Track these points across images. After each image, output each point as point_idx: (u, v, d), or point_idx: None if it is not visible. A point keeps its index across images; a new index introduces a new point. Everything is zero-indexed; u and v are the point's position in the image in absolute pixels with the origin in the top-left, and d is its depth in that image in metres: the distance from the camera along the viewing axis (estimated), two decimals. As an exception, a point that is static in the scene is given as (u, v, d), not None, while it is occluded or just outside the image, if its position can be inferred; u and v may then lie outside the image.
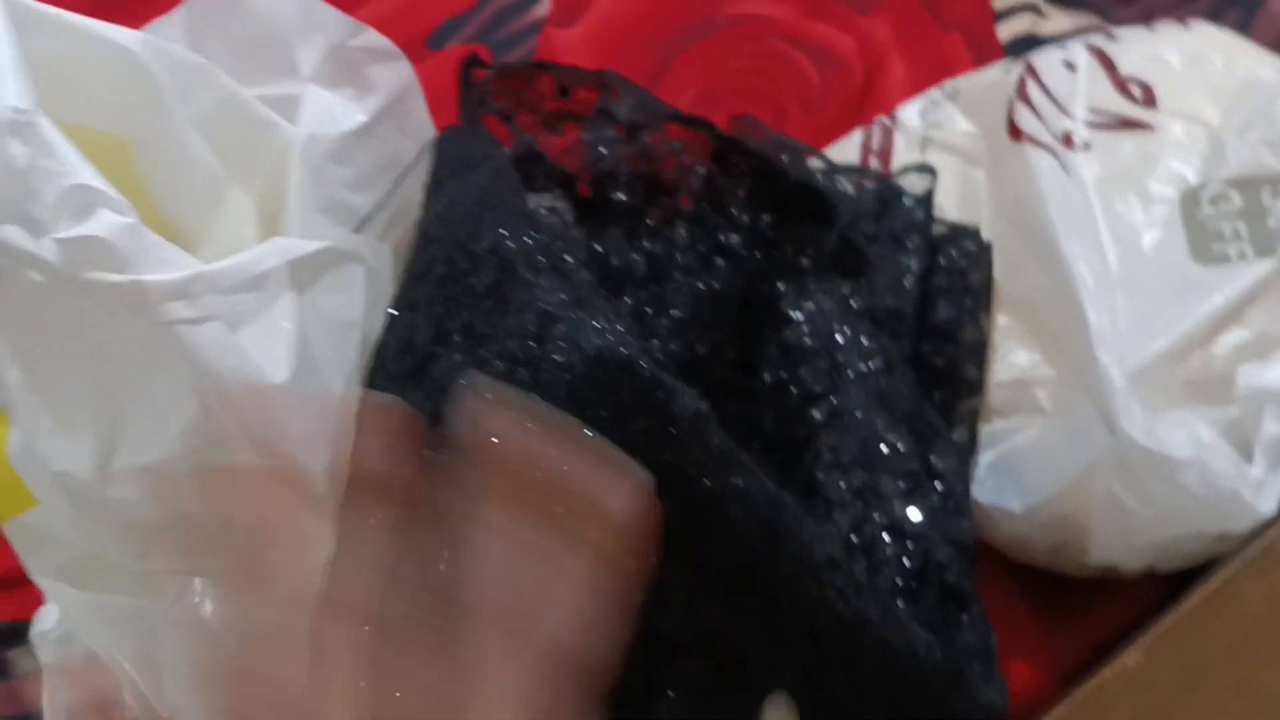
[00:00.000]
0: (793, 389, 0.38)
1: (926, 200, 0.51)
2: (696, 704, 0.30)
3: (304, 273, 0.31)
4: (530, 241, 0.28)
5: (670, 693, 0.29)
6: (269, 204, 0.36)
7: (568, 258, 0.28)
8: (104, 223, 0.26)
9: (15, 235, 0.26)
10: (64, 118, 0.29)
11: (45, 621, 0.41)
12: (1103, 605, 0.49)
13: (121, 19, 0.35)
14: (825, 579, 0.29)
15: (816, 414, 0.40)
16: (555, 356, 0.26)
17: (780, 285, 0.42)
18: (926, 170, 0.52)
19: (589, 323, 0.26)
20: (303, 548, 0.30)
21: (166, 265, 0.27)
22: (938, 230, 0.51)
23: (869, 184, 0.52)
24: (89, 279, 0.26)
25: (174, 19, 0.36)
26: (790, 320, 0.42)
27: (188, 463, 0.28)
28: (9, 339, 0.29)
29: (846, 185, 0.51)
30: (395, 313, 0.31)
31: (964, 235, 0.51)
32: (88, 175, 0.27)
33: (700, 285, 0.37)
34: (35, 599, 0.51)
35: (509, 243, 0.28)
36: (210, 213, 0.35)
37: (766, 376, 0.39)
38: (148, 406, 0.28)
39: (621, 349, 0.26)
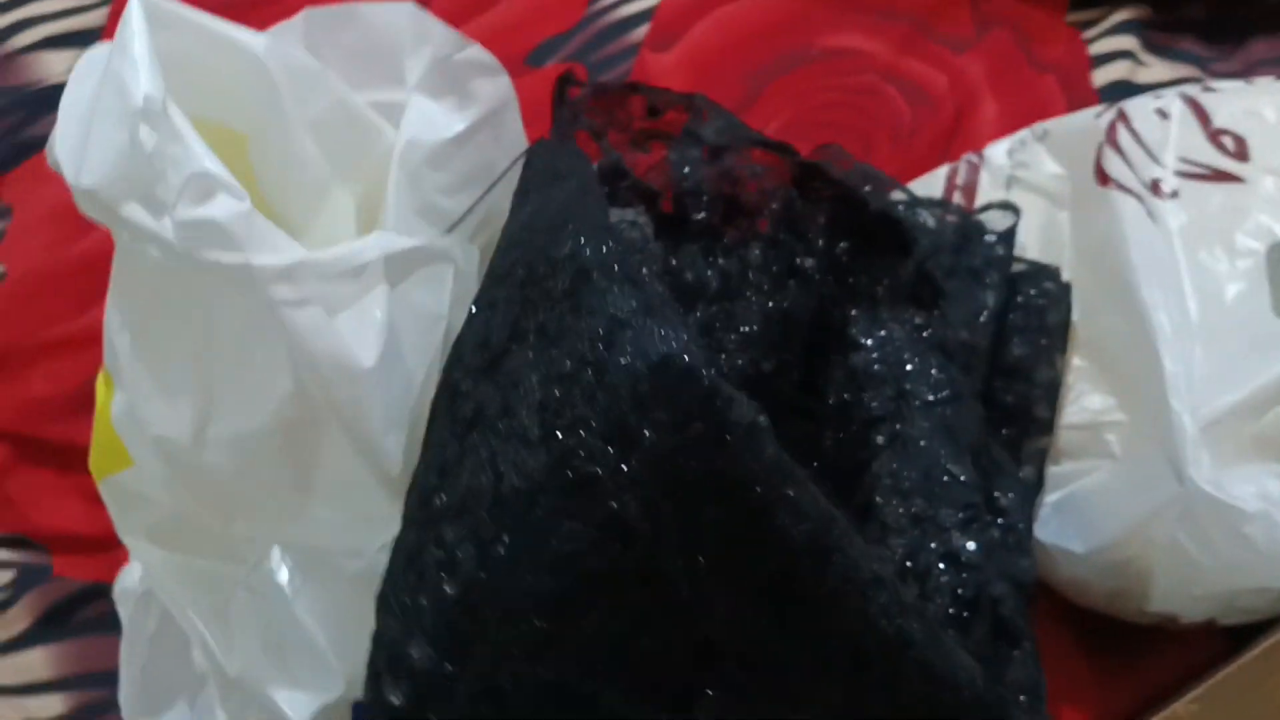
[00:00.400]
0: (856, 412, 0.39)
1: (1008, 237, 0.51)
2: (734, 708, 0.30)
3: (398, 267, 0.34)
4: (607, 251, 0.30)
5: (709, 692, 0.30)
6: (369, 202, 0.39)
7: (643, 269, 0.30)
8: (222, 207, 0.28)
9: (139, 213, 0.29)
10: (188, 108, 0.32)
11: (128, 579, 0.43)
12: (1161, 655, 0.49)
13: (247, 21, 0.38)
14: (870, 596, 0.29)
15: (880, 439, 0.41)
16: (621, 360, 0.28)
17: (852, 311, 0.43)
18: (1009, 208, 0.52)
19: (655, 330, 0.28)
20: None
21: (276, 250, 0.29)
22: (1017, 268, 0.51)
23: (951, 218, 0.52)
24: (204, 257, 0.28)
25: (294, 25, 0.39)
26: (860, 346, 0.43)
27: (278, 434, 0.30)
28: (123, 308, 0.32)
29: (928, 218, 0.52)
30: (475, 310, 0.33)
31: (1044, 274, 0.51)
32: (210, 163, 0.29)
33: (771, 304, 0.38)
34: (115, 563, 0.53)
35: (587, 251, 0.30)
36: (314, 207, 0.37)
37: (831, 399, 0.40)
38: (245, 380, 0.31)
39: (684, 356, 0.27)
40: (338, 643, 0.34)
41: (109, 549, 0.55)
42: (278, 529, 0.34)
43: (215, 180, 0.29)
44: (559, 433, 0.28)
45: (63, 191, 0.68)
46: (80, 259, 0.63)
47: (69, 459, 0.58)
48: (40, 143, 0.69)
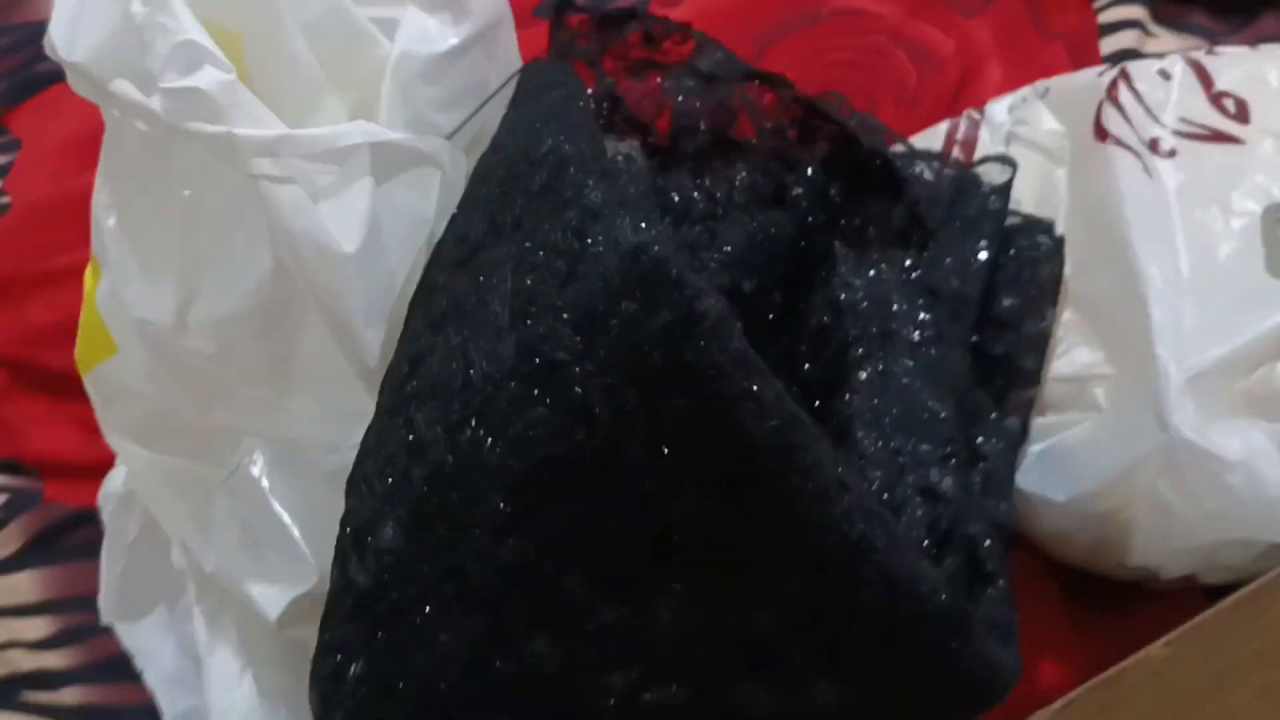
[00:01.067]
0: (835, 336, 0.39)
1: (1004, 190, 0.51)
2: (695, 602, 0.30)
3: (384, 163, 0.34)
4: (585, 146, 0.30)
5: (673, 585, 0.30)
6: (361, 113, 0.39)
7: (620, 164, 0.30)
8: (207, 77, 0.29)
9: (126, 88, 0.29)
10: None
11: (112, 483, 0.44)
12: (1142, 613, 0.48)
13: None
14: (833, 498, 0.29)
15: (862, 374, 0.41)
16: (591, 249, 0.28)
17: (841, 249, 0.43)
18: (1007, 162, 0.52)
19: (627, 220, 0.28)
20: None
21: (260, 123, 0.29)
22: (1012, 221, 0.51)
23: (948, 171, 0.52)
24: (188, 128, 0.28)
25: (296, -65, 0.39)
26: (848, 284, 0.43)
27: (257, 316, 0.30)
28: (111, 189, 0.32)
29: (926, 171, 0.52)
30: (457, 210, 0.33)
31: (1038, 228, 0.51)
32: (197, 34, 0.29)
33: (755, 225, 0.38)
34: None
35: (566, 146, 0.30)
36: (306, 114, 0.38)
37: (812, 322, 0.40)
38: (227, 261, 0.31)
39: (654, 247, 0.27)
40: (312, 536, 0.35)
41: (100, 476, 0.55)
42: (256, 420, 0.34)
43: (201, 51, 0.29)
44: (528, 320, 0.29)
45: (69, 125, 0.69)
46: (84, 191, 0.63)
47: (65, 387, 0.58)
48: (50, 78, 0.70)
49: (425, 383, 0.30)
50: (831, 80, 0.65)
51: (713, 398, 0.28)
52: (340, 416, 0.33)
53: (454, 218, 0.34)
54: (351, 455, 0.33)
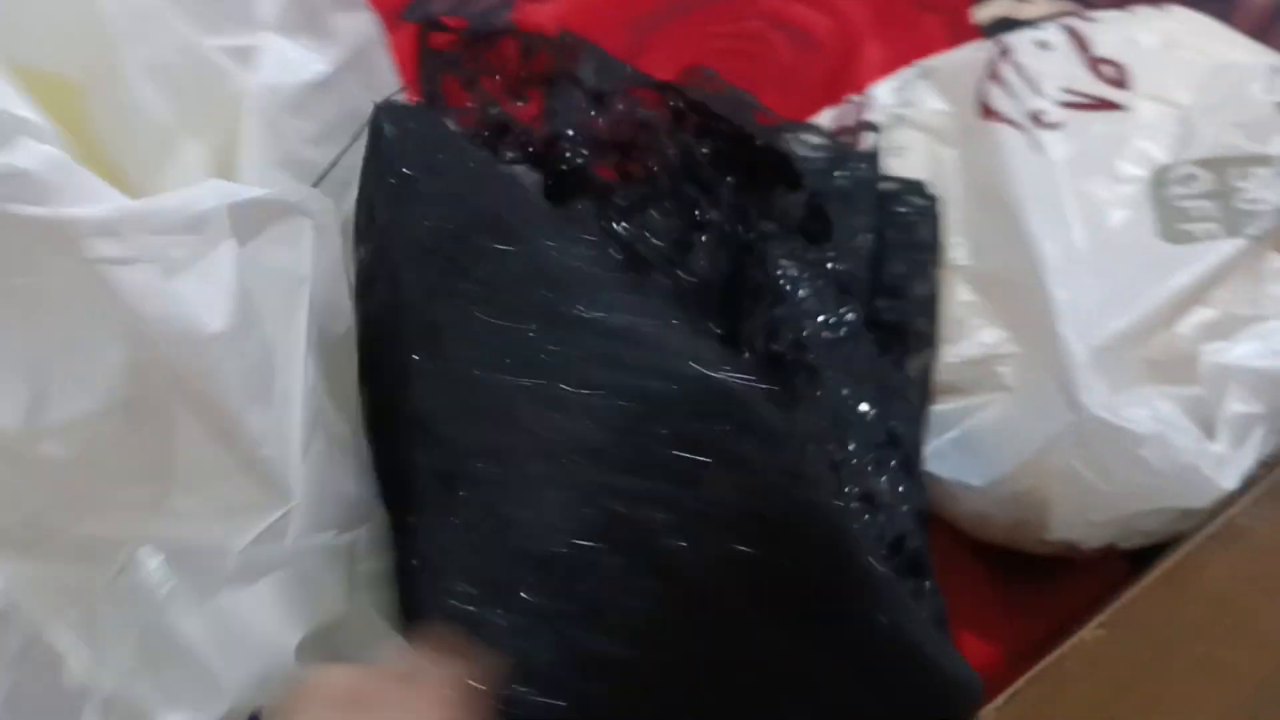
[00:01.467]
0: (783, 359, 0.38)
1: (873, 157, 0.50)
2: None
3: (247, 221, 0.31)
4: (584, 253, 0.27)
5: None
6: (224, 156, 0.35)
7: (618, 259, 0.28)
8: (25, 152, 0.25)
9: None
10: (11, 56, 0.29)
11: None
12: (1066, 583, 0.49)
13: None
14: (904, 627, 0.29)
15: (812, 391, 0.40)
16: (631, 381, 0.26)
17: (765, 262, 0.41)
18: (871, 128, 0.51)
19: (666, 343, 0.26)
20: None
21: (93, 199, 0.26)
22: (886, 186, 0.50)
23: (816, 139, 0.51)
24: (6, 212, 0.25)
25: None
26: (766, 292, 0.42)
27: (121, 413, 0.27)
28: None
29: (796, 144, 0.51)
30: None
31: (912, 190, 0.50)
32: (10, 102, 0.26)
33: (682, 275, 0.37)
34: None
35: (555, 254, 0.27)
36: (161, 163, 0.34)
37: (756, 347, 0.38)
38: (77, 355, 0.27)
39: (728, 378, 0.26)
40: (220, 652, 0.31)
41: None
42: (136, 527, 0.31)
43: (16, 121, 0.25)
44: (595, 479, 0.27)
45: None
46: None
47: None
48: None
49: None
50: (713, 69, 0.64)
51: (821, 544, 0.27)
52: (230, 512, 0.30)
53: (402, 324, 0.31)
54: (251, 557, 0.30)
